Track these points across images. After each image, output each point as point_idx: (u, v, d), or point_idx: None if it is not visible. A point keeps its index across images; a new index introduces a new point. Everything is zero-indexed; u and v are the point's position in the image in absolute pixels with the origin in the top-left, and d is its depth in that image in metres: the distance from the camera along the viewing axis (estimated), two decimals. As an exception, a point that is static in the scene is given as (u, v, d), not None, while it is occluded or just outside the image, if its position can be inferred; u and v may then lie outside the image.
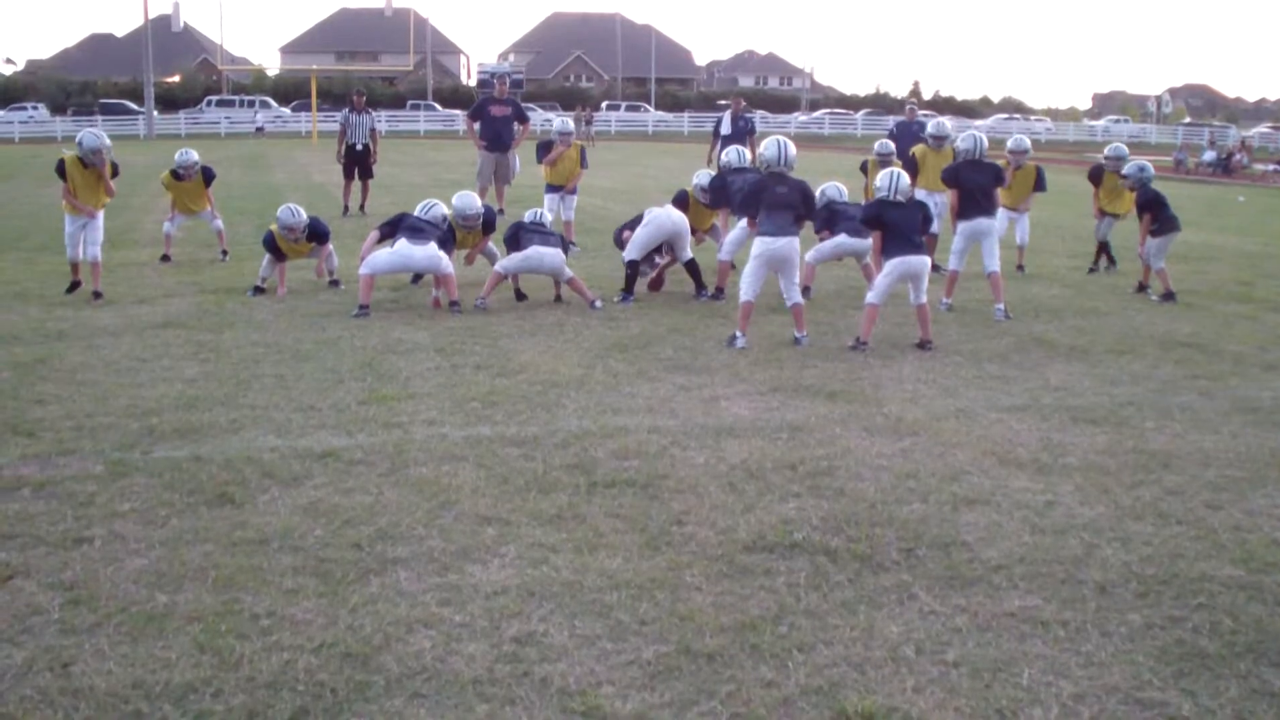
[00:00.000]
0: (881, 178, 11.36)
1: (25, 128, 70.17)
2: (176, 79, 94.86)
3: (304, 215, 13.68)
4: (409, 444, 7.84)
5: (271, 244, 13.71)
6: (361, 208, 23.27)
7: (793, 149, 11.42)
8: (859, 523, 6.45)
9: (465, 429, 8.22)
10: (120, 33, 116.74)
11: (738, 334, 11.08)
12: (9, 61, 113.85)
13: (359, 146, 23.59)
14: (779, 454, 7.68)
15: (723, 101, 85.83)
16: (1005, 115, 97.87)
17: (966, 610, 5.38)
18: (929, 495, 6.94)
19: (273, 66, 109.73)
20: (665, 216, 13.41)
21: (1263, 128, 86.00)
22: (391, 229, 12.97)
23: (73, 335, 11.35)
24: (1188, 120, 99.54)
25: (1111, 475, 7.38)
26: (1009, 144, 15.57)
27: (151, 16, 73.61)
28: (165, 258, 16.61)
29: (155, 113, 72.58)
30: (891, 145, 16.91)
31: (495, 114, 21.36)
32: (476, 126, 21.54)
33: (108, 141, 13.40)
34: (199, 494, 6.87)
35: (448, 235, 13.12)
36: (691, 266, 13.61)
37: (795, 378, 9.78)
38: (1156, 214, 14.64)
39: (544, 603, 5.42)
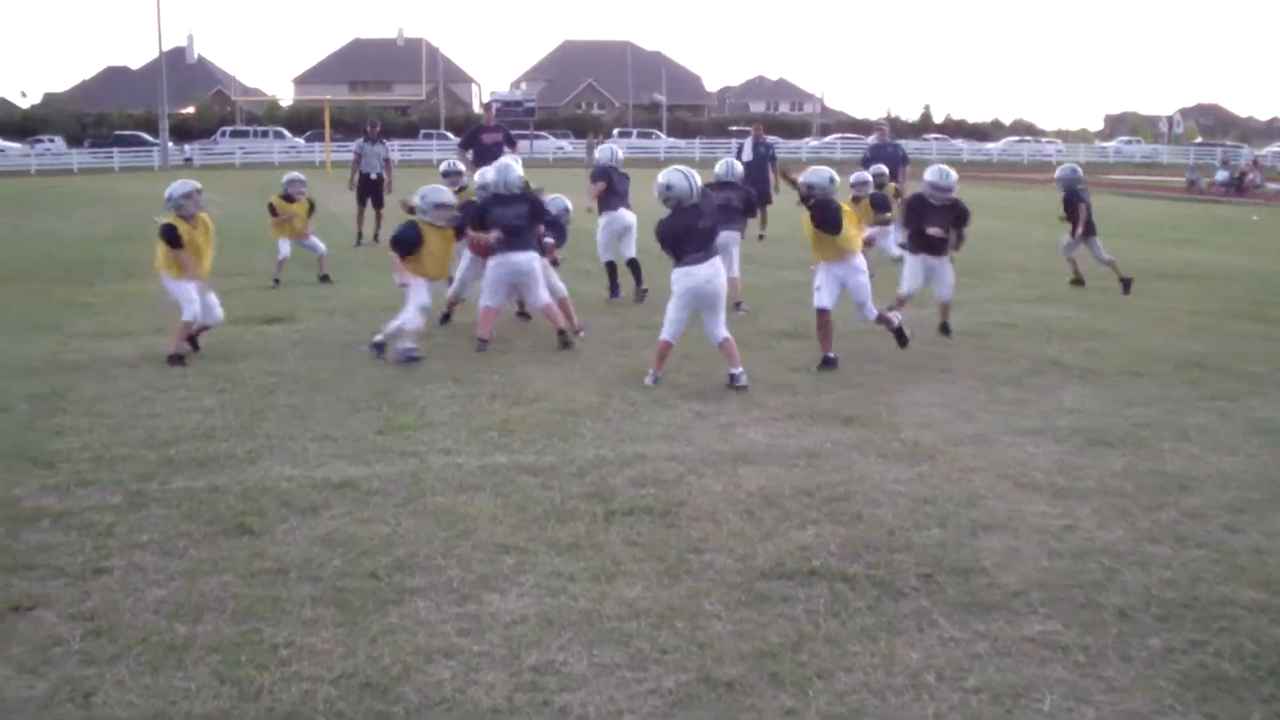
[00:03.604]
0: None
1: (42, 160, 70.48)
2: (191, 110, 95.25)
3: None
4: (426, 473, 7.85)
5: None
6: (375, 236, 23.36)
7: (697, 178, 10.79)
8: (877, 549, 6.45)
9: (482, 458, 8.23)
10: (135, 65, 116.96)
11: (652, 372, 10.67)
12: (24, 95, 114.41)
13: (373, 175, 23.77)
14: (796, 480, 7.67)
15: (735, 128, 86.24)
16: (1016, 138, 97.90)
17: (986, 636, 5.37)
18: (947, 520, 6.93)
19: (286, 97, 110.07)
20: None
21: (1275, 147, 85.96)
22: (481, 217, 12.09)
23: (89, 367, 11.39)
24: (1199, 140, 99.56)
25: (1129, 498, 7.36)
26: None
27: (166, 49, 74.03)
28: (277, 281, 17.16)
29: (170, 144, 72.88)
30: (868, 176, 17.70)
31: (486, 141, 21.73)
32: (469, 154, 21.69)
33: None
34: (217, 524, 6.89)
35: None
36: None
37: (810, 404, 9.77)
38: (1080, 215, 16.75)
39: (563, 631, 5.42)
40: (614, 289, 15.78)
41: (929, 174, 12.66)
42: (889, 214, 16.01)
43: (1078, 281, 17.51)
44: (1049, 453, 8.39)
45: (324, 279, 17.36)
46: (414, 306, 11.56)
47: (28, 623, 5.58)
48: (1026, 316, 13.75)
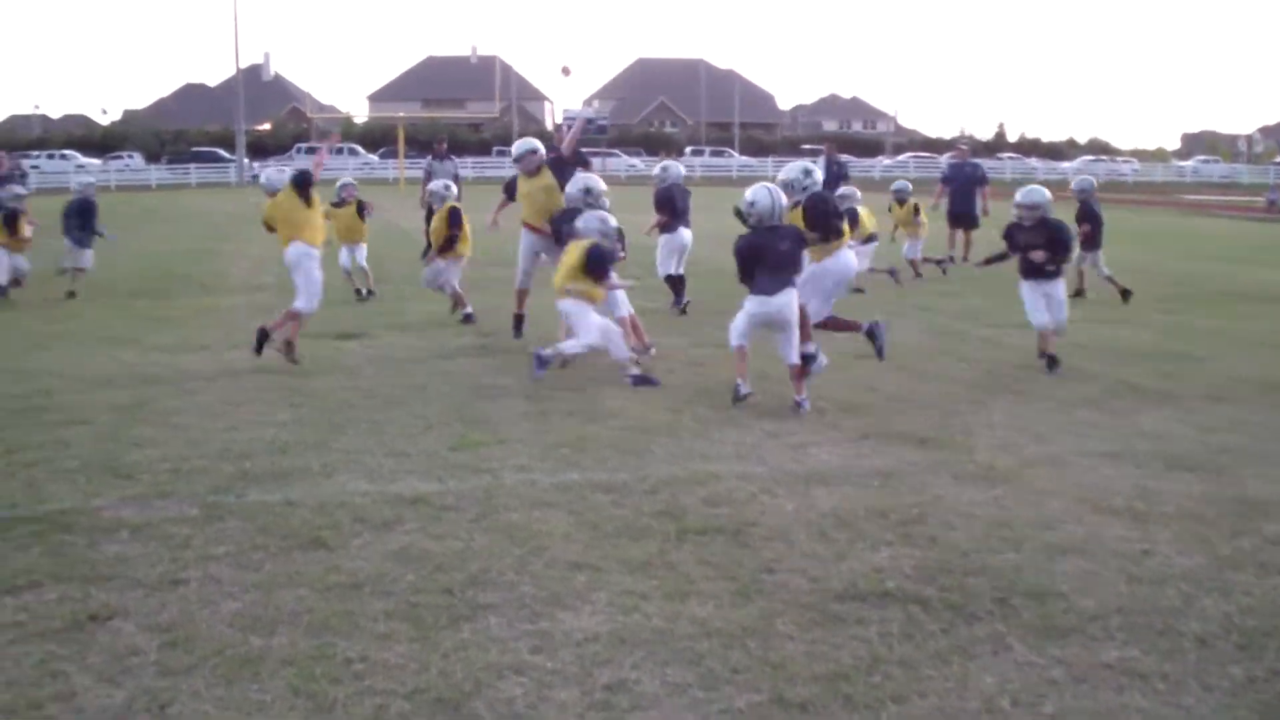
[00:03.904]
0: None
1: (121, 176, 71.55)
2: (267, 127, 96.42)
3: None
4: (499, 490, 7.87)
5: None
6: None
7: (783, 198, 10.56)
8: (952, 571, 6.39)
9: (555, 475, 8.24)
10: (213, 82, 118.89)
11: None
12: (105, 112, 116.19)
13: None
14: (870, 501, 7.63)
15: (807, 146, 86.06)
16: (1091, 157, 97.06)
17: (1063, 661, 5.31)
18: (1022, 544, 6.85)
19: (361, 114, 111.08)
20: None
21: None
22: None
23: (167, 380, 11.54)
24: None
25: (1209, 524, 7.25)
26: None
27: (243, 66, 75.06)
28: (358, 292, 17.62)
29: (246, 160, 73.80)
30: (909, 185, 19.84)
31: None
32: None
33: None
34: (292, 538, 6.94)
35: None
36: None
37: (884, 424, 9.72)
38: (1095, 227, 17.40)
39: (635, 650, 5.41)
40: (679, 299, 16.13)
41: (1016, 195, 12.42)
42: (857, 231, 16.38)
43: (1079, 293, 17.67)
44: (1127, 476, 8.28)
45: (366, 293, 17.61)
46: (597, 329, 11.48)
47: (106, 632, 5.64)
48: (1102, 338, 13.61)
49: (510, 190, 14.33)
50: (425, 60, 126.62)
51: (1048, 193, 12.25)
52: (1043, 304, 12.10)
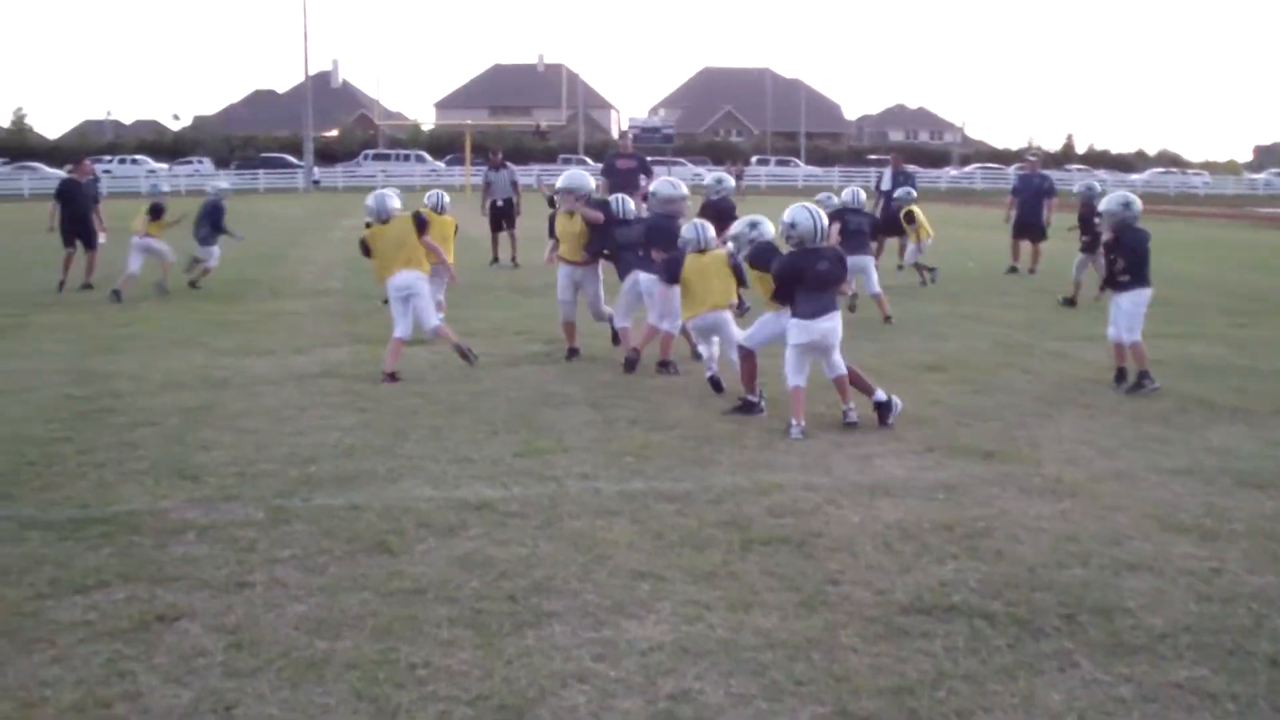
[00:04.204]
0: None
1: (190, 181, 72.21)
2: (335, 133, 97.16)
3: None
4: (563, 497, 7.89)
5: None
6: (513, 259, 23.72)
7: (825, 219, 10.23)
8: (1018, 586, 6.34)
9: (619, 483, 8.25)
10: (282, 89, 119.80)
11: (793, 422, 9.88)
12: (176, 117, 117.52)
13: (499, 202, 24.22)
14: (935, 514, 7.58)
15: (874, 156, 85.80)
16: (1161, 169, 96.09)
17: (1131, 679, 5.25)
18: (1089, 559, 6.79)
19: (428, 121, 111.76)
20: None
21: None
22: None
23: (234, 383, 11.65)
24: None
25: (1280, 542, 7.16)
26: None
27: (312, 73, 75.74)
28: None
29: (314, 166, 74.40)
30: (914, 193, 20.45)
31: (622, 168, 21.87)
32: (606, 182, 21.96)
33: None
34: (357, 542, 6.99)
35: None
36: None
37: (950, 436, 9.66)
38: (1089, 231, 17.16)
39: (699, 660, 5.40)
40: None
41: (1109, 201, 11.99)
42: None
43: (1071, 302, 18.01)
44: (1196, 493, 8.18)
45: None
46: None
47: (173, 633, 5.70)
48: (1171, 352, 13.44)
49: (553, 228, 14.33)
50: (492, 68, 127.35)
51: (1113, 199, 11.95)
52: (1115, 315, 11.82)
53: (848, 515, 7.56)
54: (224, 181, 31.80)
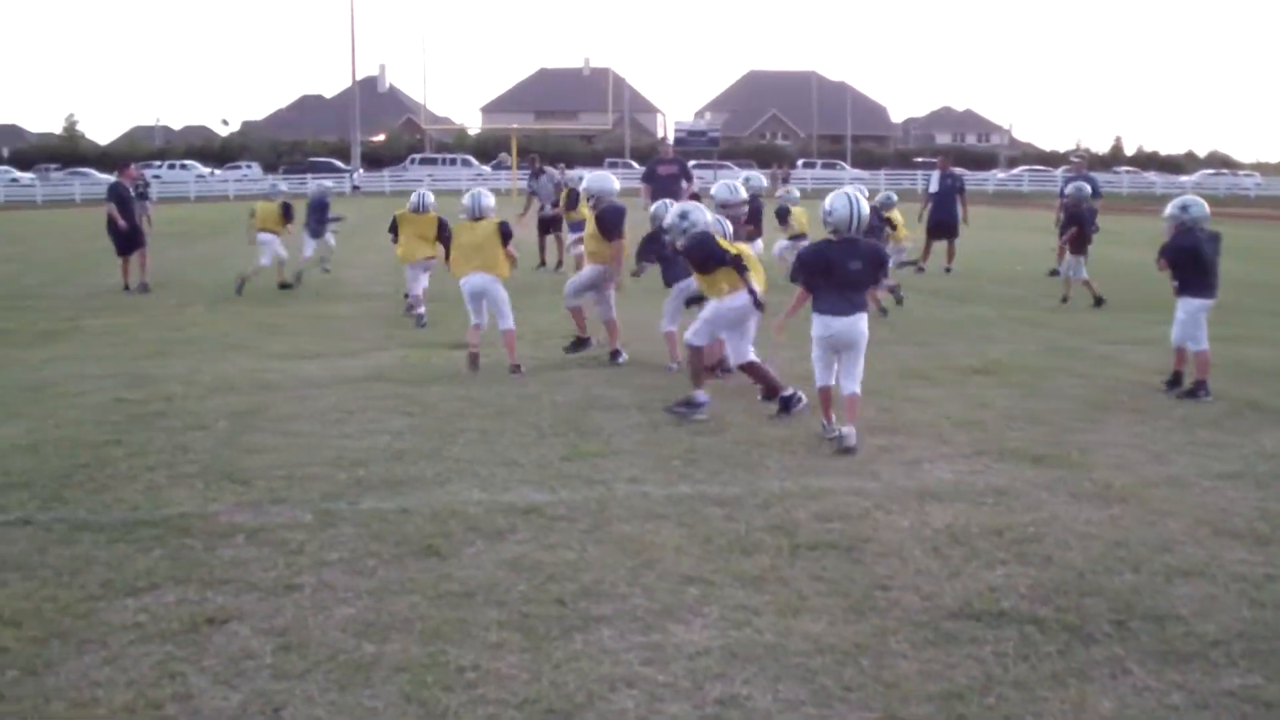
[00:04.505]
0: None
1: (239, 185, 72.77)
2: (382, 138, 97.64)
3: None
4: (611, 501, 7.90)
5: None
6: (559, 265, 23.73)
7: (865, 207, 9.75)
8: (1068, 592, 6.30)
9: (667, 487, 8.25)
10: (329, 94, 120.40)
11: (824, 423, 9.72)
12: (225, 123, 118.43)
13: (546, 209, 24.29)
14: (984, 519, 7.54)
15: (920, 159, 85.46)
16: (1212, 170, 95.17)
17: (1183, 687, 5.20)
18: (1140, 565, 6.73)
19: (474, 125, 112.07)
20: None
21: None
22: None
23: (283, 386, 11.72)
24: None
25: (1335, 548, 7.08)
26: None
27: (359, 78, 76.09)
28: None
29: (361, 170, 74.81)
30: (894, 197, 20.36)
31: (663, 173, 22.09)
32: (648, 187, 22.07)
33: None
34: (405, 545, 7.02)
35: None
36: None
37: (999, 441, 9.60)
38: (1081, 230, 18.49)
39: (747, 665, 5.39)
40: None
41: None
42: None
43: (1099, 301, 18.39)
44: (1249, 498, 8.10)
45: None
46: None
47: (222, 636, 5.74)
48: (1223, 355, 13.29)
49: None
50: (538, 72, 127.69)
51: (1184, 203, 11.75)
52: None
53: (896, 520, 7.53)
54: (330, 181, 34.06)
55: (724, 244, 10.46)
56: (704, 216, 10.83)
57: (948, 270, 22.65)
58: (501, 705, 4.99)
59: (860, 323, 9.49)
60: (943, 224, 23.26)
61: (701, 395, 10.42)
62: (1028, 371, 12.61)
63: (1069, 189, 19.72)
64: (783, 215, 19.44)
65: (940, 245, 23.28)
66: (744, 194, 13.10)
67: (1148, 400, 11.20)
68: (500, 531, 7.26)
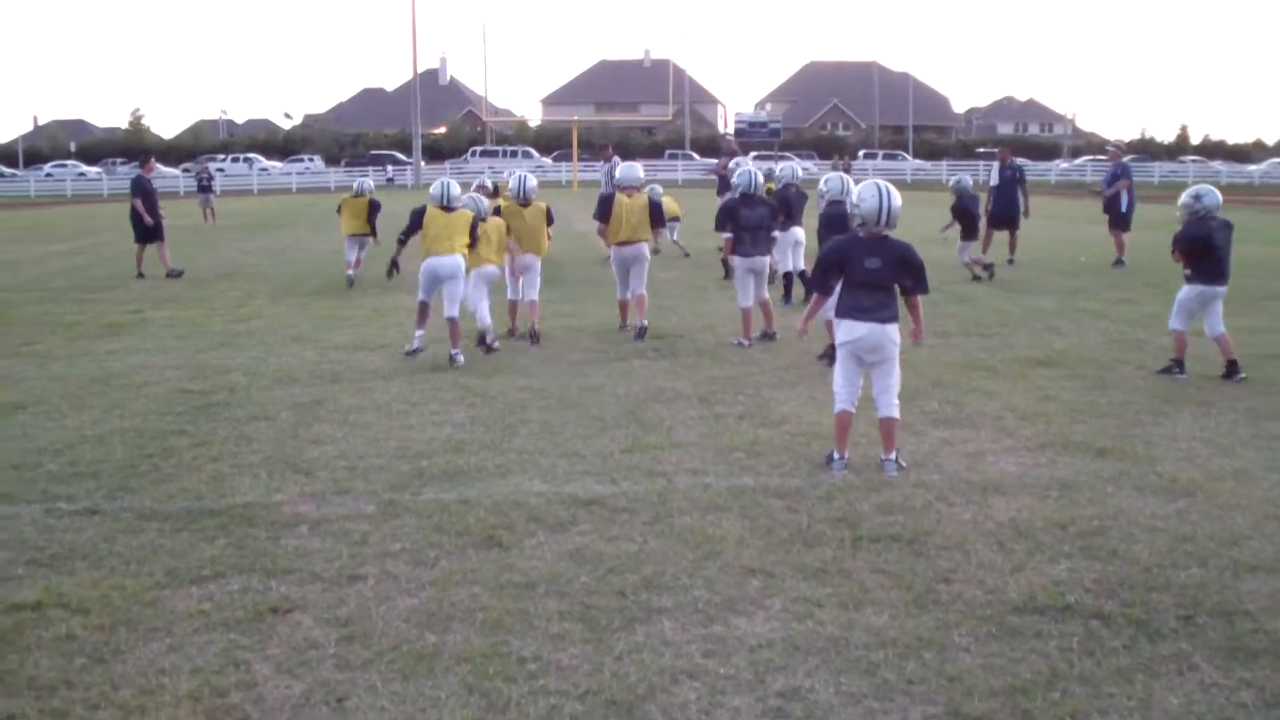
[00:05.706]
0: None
1: (302, 178, 73.35)
2: (442, 130, 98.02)
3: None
4: (673, 493, 7.89)
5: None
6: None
7: (897, 200, 8.58)
8: (1134, 586, 6.24)
9: (729, 479, 8.24)
10: (390, 87, 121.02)
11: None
12: (287, 116, 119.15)
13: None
14: (1048, 512, 7.48)
15: (982, 149, 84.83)
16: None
17: (1252, 684, 5.14)
18: (1208, 560, 6.66)
19: (534, 117, 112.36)
20: None
21: None
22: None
23: (346, 378, 11.79)
24: None
25: (1406, 544, 6.97)
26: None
27: (420, 71, 76.34)
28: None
29: (423, 163, 75.14)
30: (969, 180, 21.22)
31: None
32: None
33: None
34: (467, 536, 7.04)
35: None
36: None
37: (1064, 433, 9.52)
38: (969, 221, 20.42)
39: (809, 658, 5.38)
40: (786, 297, 17.26)
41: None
42: None
43: (988, 269, 20.44)
44: (1318, 492, 8.00)
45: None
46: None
47: (286, 625, 5.79)
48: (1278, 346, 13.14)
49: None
50: (599, 64, 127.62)
51: (1197, 192, 11.81)
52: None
53: (959, 513, 7.49)
54: (369, 179, 34.84)
55: None
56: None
57: (1010, 261, 22.46)
58: (563, 696, 5.00)
59: (888, 330, 8.44)
60: (1002, 215, 23.03)
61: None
62: (1092, 363, 12.49)
63: (951, 182, 21.24)
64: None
65: (1001, 236, 23.07)
66: (852, 184, 12.81)
67: (1213, 392, 11.06)
68: (562, 523, 7.28)
